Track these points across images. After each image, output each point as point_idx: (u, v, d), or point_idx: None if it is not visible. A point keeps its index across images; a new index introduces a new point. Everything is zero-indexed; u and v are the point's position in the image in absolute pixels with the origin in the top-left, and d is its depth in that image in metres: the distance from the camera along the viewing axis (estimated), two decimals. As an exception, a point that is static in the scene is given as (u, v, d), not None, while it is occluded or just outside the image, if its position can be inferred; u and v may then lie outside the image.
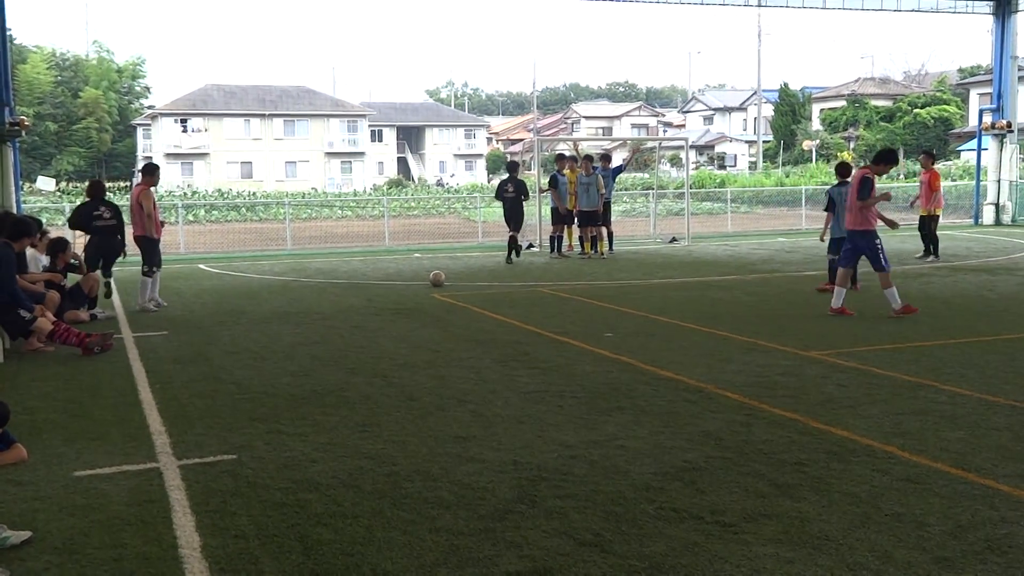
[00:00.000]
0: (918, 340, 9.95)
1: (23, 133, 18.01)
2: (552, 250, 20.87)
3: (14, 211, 18.06)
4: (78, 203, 15.12)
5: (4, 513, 5.09)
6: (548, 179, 21.15)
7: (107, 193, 15.44)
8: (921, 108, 62.98)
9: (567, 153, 23.81)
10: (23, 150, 44.59)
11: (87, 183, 15.73)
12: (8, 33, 21.19)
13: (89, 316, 12.05)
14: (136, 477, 5.74)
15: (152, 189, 13.47)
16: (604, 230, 20.52)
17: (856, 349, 9.39)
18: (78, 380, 8.58)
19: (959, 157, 54.30)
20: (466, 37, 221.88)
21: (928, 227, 18.92)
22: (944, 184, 34.17)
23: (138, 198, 13.22)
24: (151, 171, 13.73)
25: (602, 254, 20.29)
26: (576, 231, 20.97)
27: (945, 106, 62.87)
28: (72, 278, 12.46)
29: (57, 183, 50.72)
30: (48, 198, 37.22)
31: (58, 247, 12.26)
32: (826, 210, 14.46)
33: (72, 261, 12.50)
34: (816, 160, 59.80)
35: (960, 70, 70.95)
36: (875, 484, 5.39)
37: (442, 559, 4.47)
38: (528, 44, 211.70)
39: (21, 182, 23.54)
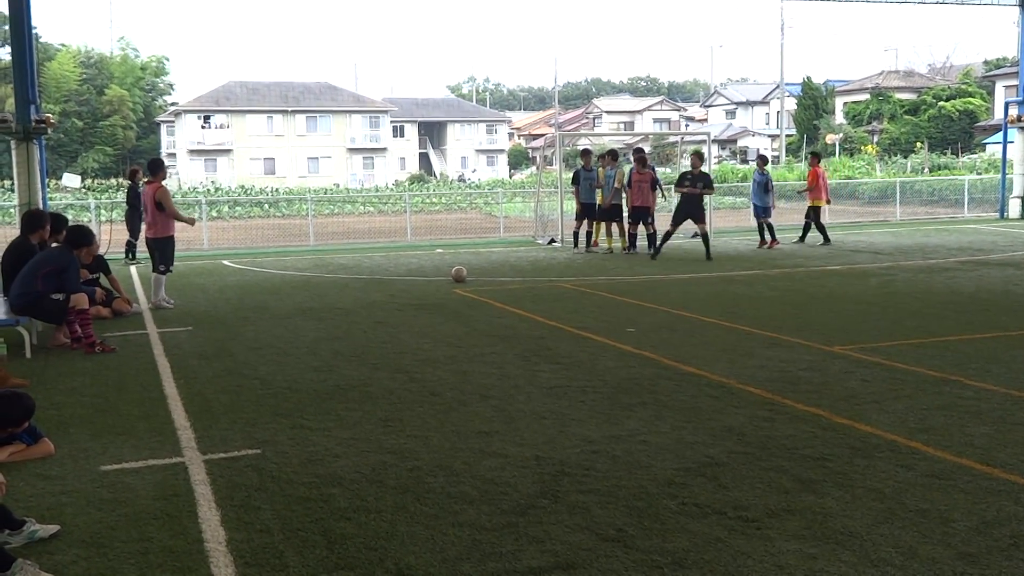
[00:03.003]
0: (943, 335, 9.88)
1: (49, 130, 18.17)
2: (575, 245, 20.84)
3: (40, 208, 18.25)
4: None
5: (32, 507, 5.15)
6: (571, 175, 21.09)
7: (136, 177, 19.73)
8: (946, 101, 62.38)
9: (591, 147, 23.66)
10: (49, 147, 44.98)
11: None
12: (34, 31, 21.37)
13: (111, 313, 12.12)
14: (162, 471, 5.80)
15: (166, 185, 13.30)
16: (623, 225, 20.44)
17: (880, 344, 9.34)
18: (104, 375, 8.66)
19: (984, 150, 53.77)
20: (487, 32, 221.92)
21: (814, 215, 21.50)
22: (969, 177, 34.13)
23: (155, 197, 12.93)
24: (156, 168, 13.43)
25: (624, 249, 20.24)
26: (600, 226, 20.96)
27: (970, 99, 62.27)
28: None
29: (83, 180, 51.15)
30: (74, 195, 37.55)
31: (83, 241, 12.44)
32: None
33: (100, 254, 12.66)
34: (840, 154, 59.38)
35: (986, 62, 70.25)
36: (899, 480, 5.37)
37: (465, 553, 4.49)
38: (549, 39, 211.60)
39: (47, 179, 23.75)
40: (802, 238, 21.66)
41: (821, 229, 21.35)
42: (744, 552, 4.44)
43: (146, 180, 13.96)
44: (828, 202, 22.78)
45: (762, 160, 22.65)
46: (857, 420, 6.59)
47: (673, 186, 20.36)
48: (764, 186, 21.41)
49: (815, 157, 23.12)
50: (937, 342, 9.47)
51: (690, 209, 18.78)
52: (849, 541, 4.54)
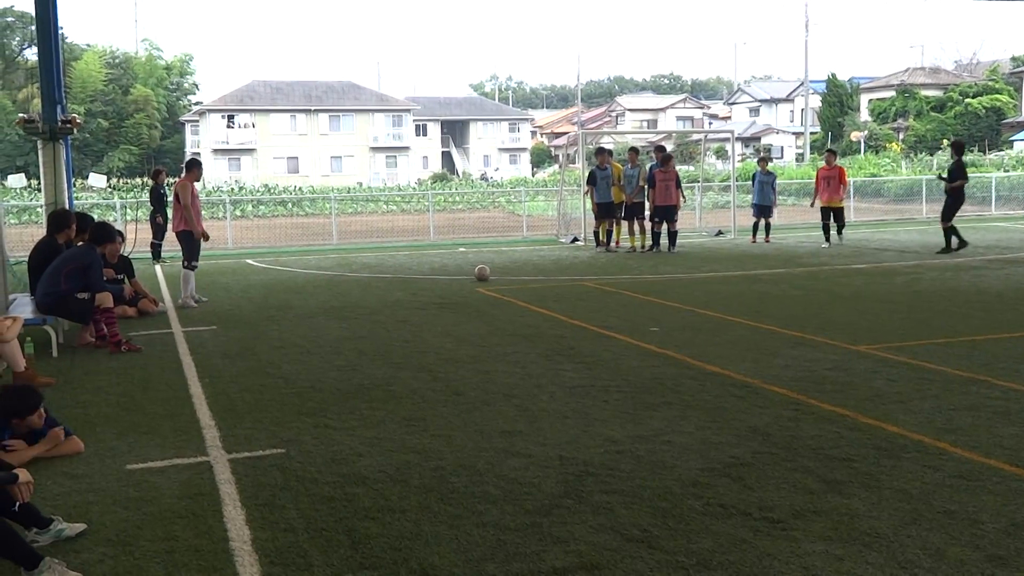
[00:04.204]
0: (970, 334, 9.79)
1: (75, 130, 18.30)
2: (597, 244, 20.79)
3: (67, 207, 18.40)
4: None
5: (59, 505, 5.19)
6: (587, 175, 21.03)
7: (160, 177, 20.42)
8: (972, 98, 61.82)
9: (607, 147, 23.54)
10: (75, 147, 45.27)
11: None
12: (60, 32, 21.54)
13: (137, 312, 12.20)
14: (187, 470, 5.83)
15: (195, 183, 13.54)
16: (646, 223, 20.36)
17: (906, 343, 9.27)
18: (129, 374, 8.71)
19: (1012, 147, 53.30)
20: (510, 31, 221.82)
21: (837, 216, 20.75)
22: (996, 175, 33.83)
23: (175, 191, 13.46)
24: (191, 166, 13.98)
25: (644, 248, 20.17)
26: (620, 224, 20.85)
27: (997, 95, 61.68)
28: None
29: (108, 179, 51.54)
30: (100, 195, 37.84)
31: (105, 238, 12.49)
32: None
33: (124, 254, 12.75)
34: (865, 151, 58.98)
35: (1013, 59, 69.54)
36: (926, 481, 5.32)
37: (489, 554, 4.48)
38: (572, 37, 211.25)
39: (73, 179, 23.95)
40: (840, 234, 20.90)
41: (842, 222, 20.92)
42: (770, 553, 4.41)
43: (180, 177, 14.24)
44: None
45: (764, 161, 23.65)
46: (883, 420, 6.54)
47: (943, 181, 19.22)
48: (771, 186, 22.17)
49: (833, 154, 22.14)
50: (964, 341, 9.38)
51: (950, 202, 18.56)
52: (876, 542, 4.50)
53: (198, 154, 75.16)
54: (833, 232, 20.76)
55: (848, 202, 29.05)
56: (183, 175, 13.95)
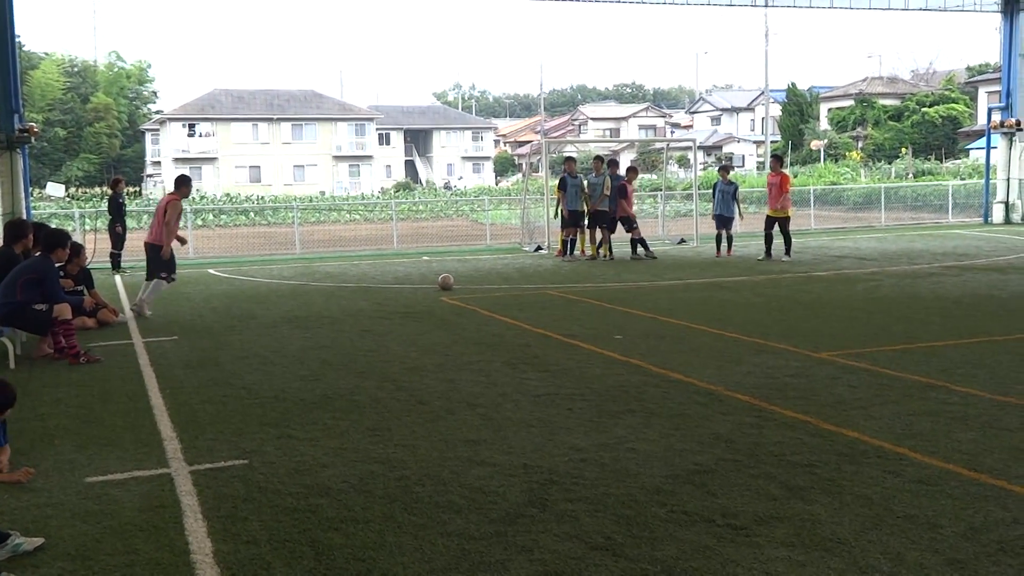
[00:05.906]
0: (929, 340, 9.92)
1: (32, 139, 18.12)
2: (563, 252, 20.82)
3: (24, 216, 18.18)
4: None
5: (17, 520, 5.11)
6: (557, 182, 21.09)
7: (119, 187, 19.97)
8: (929, 107, 62.75)
9: (575, 155, 23.69)
10: (33, 156, 44.74)
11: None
12: (17, 40, 21.27)
13: (96, 323, 12.05)
14: (148, 483, 5.76)
15: (182, 202, 13.25)
16: (608, 232, 20.44)
17: (867, 350, 9.37)
18: (89, 386, 8.60)
19: (968, 156, 54.10)
20: (473, 40, 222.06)
21: (782, 227, 19.26)
22: (953, 183, 34.31)
23: (165, 207, 13.01)
24: (181, 183, 13.41)
25: (605, 256, 20.22)
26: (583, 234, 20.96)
27: (954, 104, 62.65)
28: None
29: (67, 189, 50.92)
30: (58, 203, 37.41)
31: (72, 251, 12.32)
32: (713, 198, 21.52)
33: (86, 266, 12.61)
34: (824, 160, 59.62)
35: (968, 68, 70.70)
36: (887, 486, 5.37)
37: (453, 563, 4.47)
38: (535, 46, 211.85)
39: (31, 188, 23.65)
40: (788, 252, 19.12)
41: (788, 239, 19.29)
42: (733, 560, 4.43)
43: (170, 192, 13.71)
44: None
45: (725, 170, 22.50)
46: (844, 426, 6.60)
47: None
48: (733, 195, 20.84)
49: (778, 161, 21.17)
50: (923, 347, 9.51)
51: None
52: (838, 548, 4.54)
53: (158, 163, 74.53)
54: (780, 246, 19.19)
55: (808, 210, 29.45)
56: (173, 191, 13.32)
